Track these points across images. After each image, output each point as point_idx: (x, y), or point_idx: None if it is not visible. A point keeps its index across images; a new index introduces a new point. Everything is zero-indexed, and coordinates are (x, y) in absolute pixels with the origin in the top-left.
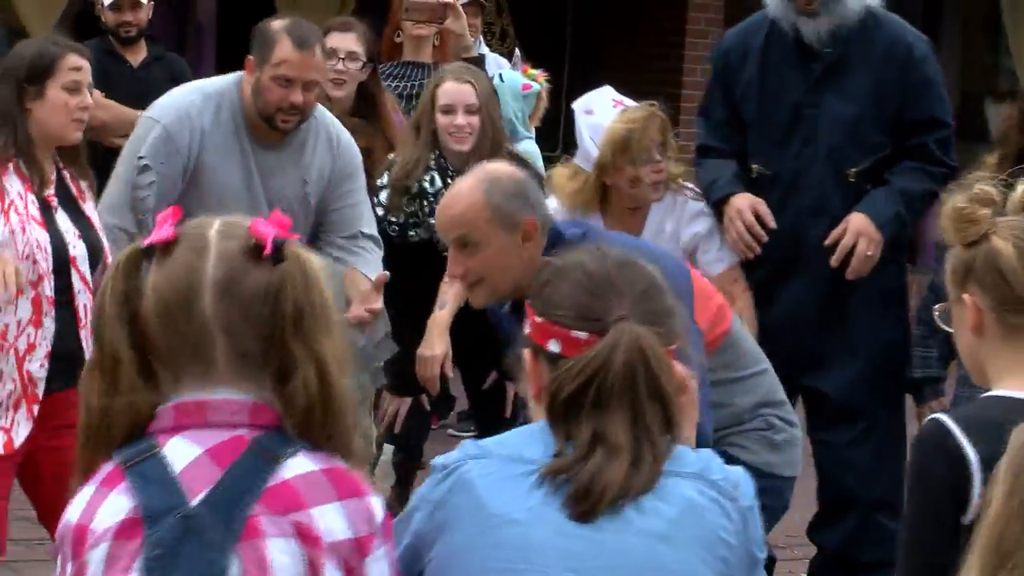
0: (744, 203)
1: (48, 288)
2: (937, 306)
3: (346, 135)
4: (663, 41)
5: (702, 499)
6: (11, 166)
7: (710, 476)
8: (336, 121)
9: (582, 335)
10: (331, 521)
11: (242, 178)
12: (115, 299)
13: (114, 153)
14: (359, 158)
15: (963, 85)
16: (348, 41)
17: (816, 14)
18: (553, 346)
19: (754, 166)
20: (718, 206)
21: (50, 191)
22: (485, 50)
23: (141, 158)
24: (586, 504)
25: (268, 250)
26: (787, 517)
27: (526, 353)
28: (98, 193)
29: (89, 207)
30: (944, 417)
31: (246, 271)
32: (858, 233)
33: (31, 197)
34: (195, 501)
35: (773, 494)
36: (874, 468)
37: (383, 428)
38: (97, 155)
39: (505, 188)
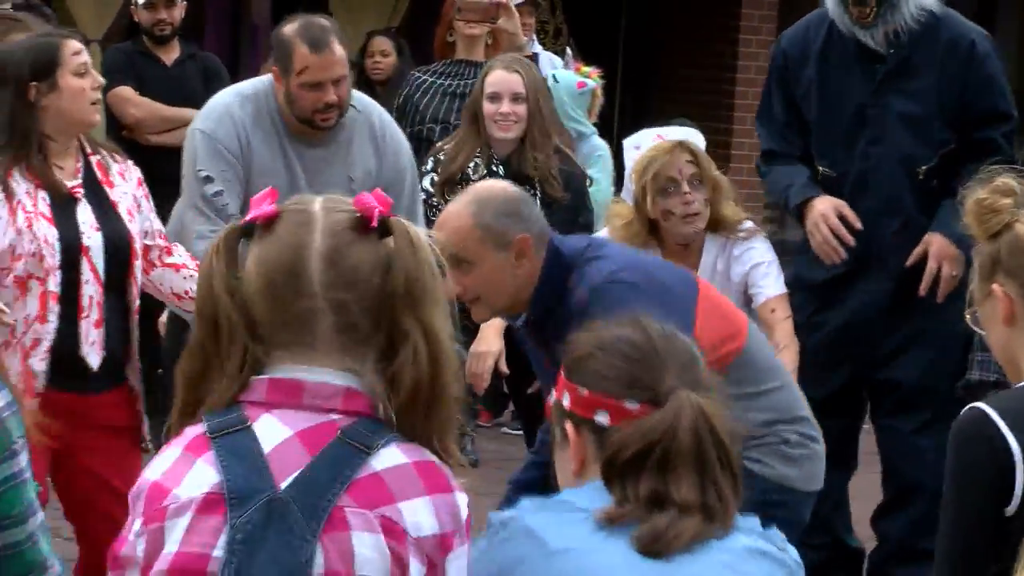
0: (827, 207)
1: (53, 284)
2: (968, 309)
3: (392, 129)
4: (717, 37)
5: (761, 547)
6: (23, 166)
7: (761, 530)
8: (383, 113)
9: (634, 406)
10: (419, 516)
11: (286, 177)
12: (220, 277)
13: (154, 152)
14: (407, 152)
15: (1020, 80)
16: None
17: (872, 25)
18: (601, 417)
19: (820, 167)
20: (798, 211)
21: (75, 182)
22: (539, 49)
23: (200, 171)
24: (657, 545)
25: (374, 222)
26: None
27: (568, 427)
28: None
29: (118, 191)
30: (986, 406)
31: (354, 242)
32: (940, 257)
33: (41, 194)
34: (283, 485)
35: (789, 508)
36: (940, 456)
37: None
38: (135, 155)
39: (496, 207)
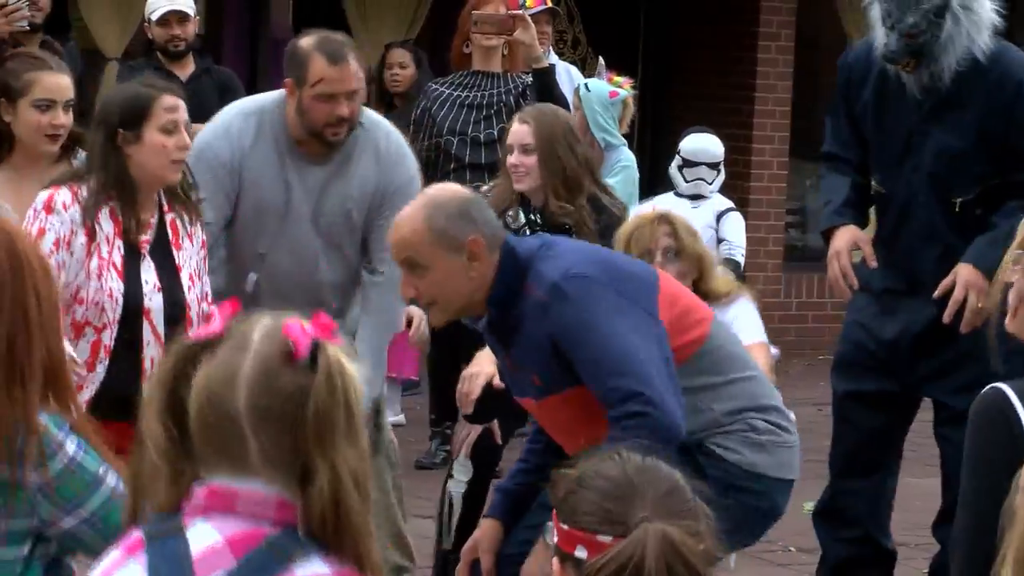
0: (843, 243)
1: (108, 337)
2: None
3: (396, 146)
4: (735, 44)
5: None
6: (107, 208)
7: None
8: (391, 130)
9: (607, 539)
10: None
11: (283, 195)
12: (162, 386)
13: None
14: (412, 169)
15: None
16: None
17: (913, 73)
18: (580, 552)
19: (874, 183)
20: (824, 235)
21: (145, 236)
22: (555, 59)
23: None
24: None
25: (300, 354)
26: (907, 515)
27: (555, 562)
28: None
29: (184, 255)
30: (1007, 388)
31: (279, 373)
32: (967, 286)
33: (118, 243)
34: None
35: (758, 494)
36: None
37: (454, 453)
38: None
39: (447, 211)
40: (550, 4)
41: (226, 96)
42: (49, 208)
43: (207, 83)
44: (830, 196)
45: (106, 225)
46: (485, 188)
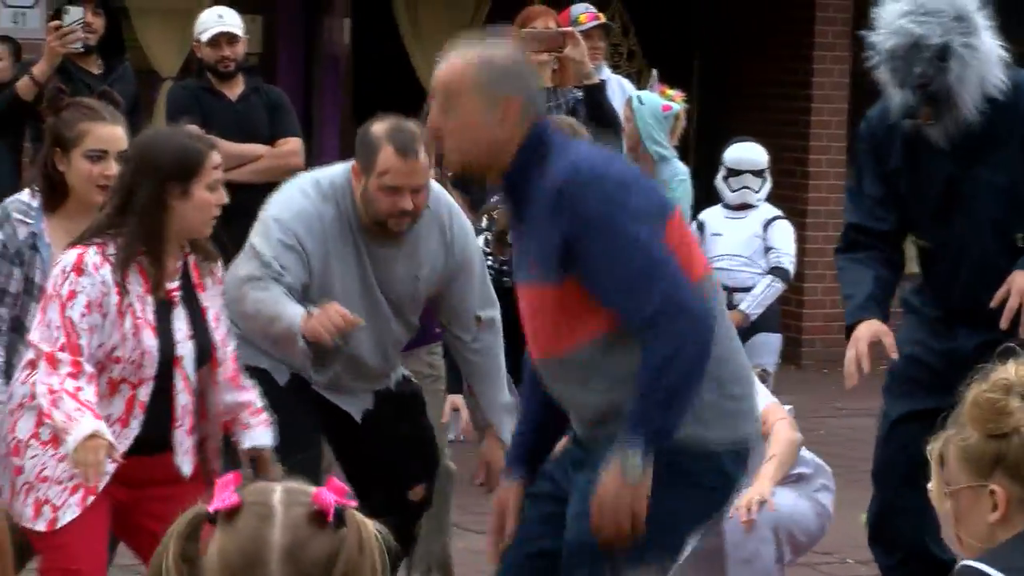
0: (866, 334)
1: (144, 394)
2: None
3: (459, 220)
4: (791, 56)
5: None
6: (135, 264)
7: None
8: (453, 206)
9: None
10: None
11: (358, 273)
12: (175, 560)
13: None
14: (472, 240)
15: None
16: None
17: (934, 124)
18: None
19: (918, 241)
20: (847, 331)
21: (173, 284)
22: (607, 74)
23: (265, 256)
24: None
25: (330, 517)
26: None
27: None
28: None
29: (207, 295)
30: (981, 564)
31: (312, 537)
32: (1022, 293)
33: (148, 299)
34: None
35: (706, 472)
36: None
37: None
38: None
39: (496, 68)
40: (603, 19)
41: (275, 115)
42: (79, 270)
43: (256, 102)
44: (852, 291)
45: (136, 283)
46: (494, 203)
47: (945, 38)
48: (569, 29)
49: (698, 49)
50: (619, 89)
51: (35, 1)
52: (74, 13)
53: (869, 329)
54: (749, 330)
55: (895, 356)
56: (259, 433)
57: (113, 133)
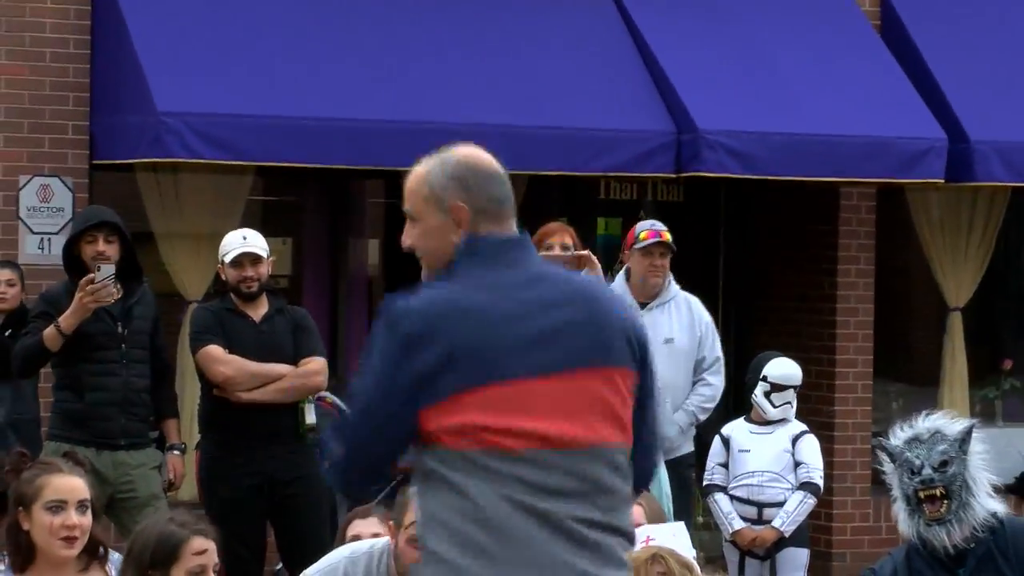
0: None
1: None
2: None
3: None
4: (815, 268)
5: None
6: None
7: None
8: None
9: None
10: None
11: None
12: None
13: (245, 409)
14: None
15: None
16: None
17: (946, 521)
18: None
19: None
20: None
21: None
22: (676, 291)
23: None
24: None
25: None
26: None
27: None
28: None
29: None
30: None
31: None
32: None
33: None
34: None
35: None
36: None
37: None
38: (228, 412)
39: (446, 171)
40: (666, 237)
41: (299, 335)
42: None
43: (280, 323)
44: None
45: None
46: None
47: None
48: (585, 252)
49: (723, 263)
50: (685, 306)
51: (60, 228)
52: (106, 270)
53: None
54: (778, 544)
55: None
56: None
57: (70, 483)
